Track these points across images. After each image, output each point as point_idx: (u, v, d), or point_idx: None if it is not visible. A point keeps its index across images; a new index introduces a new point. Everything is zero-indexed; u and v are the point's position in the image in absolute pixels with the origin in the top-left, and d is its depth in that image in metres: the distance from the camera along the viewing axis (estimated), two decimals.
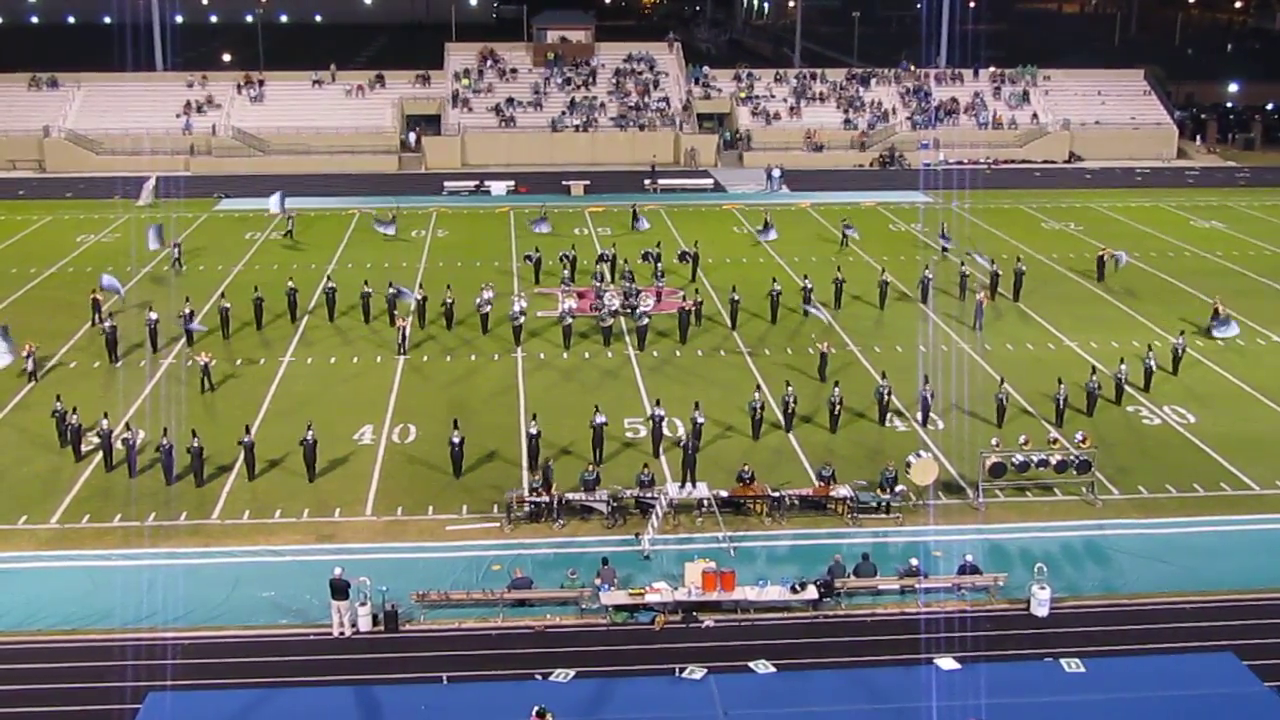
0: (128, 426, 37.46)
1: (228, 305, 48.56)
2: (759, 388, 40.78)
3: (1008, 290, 52.77)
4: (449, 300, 48.64)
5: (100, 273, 52.61)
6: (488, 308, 48.70)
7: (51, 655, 26.18)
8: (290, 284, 50.96)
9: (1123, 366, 41.45)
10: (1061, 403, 39.19)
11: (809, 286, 49.80)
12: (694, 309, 48.83)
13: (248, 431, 35.26)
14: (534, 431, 36.09)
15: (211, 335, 47.20)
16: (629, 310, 49.18)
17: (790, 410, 38.55)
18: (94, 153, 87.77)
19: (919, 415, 39.36)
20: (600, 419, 36.56)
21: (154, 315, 46.57)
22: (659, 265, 54.45)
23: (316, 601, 27.82)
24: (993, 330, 48.53)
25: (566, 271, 54.60)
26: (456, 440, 35.32)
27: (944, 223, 64.52)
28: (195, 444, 34.46)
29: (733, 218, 70.71)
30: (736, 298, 49.37)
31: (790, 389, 39.01)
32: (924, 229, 66.25)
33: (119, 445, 35.77)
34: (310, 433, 35.06)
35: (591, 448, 36.38)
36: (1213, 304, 49.29)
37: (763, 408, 38.15)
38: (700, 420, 36.56)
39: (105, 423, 35.91)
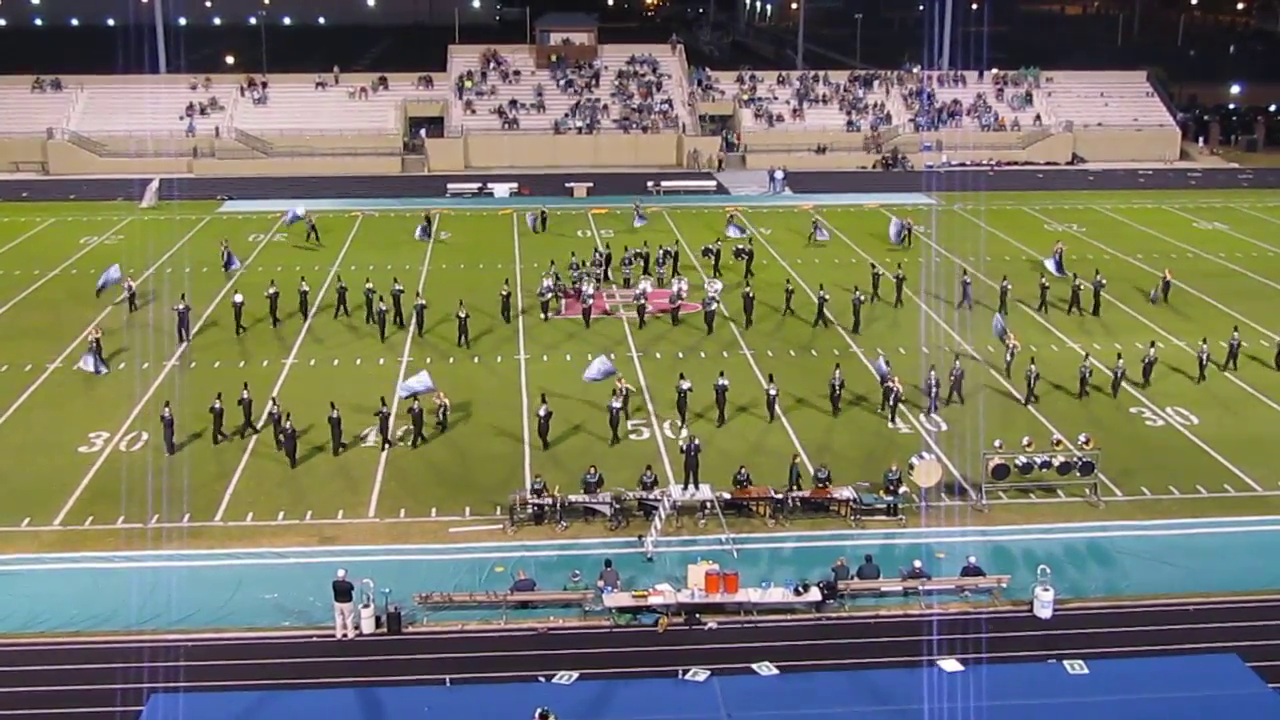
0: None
1: (240, 300, 49.32)
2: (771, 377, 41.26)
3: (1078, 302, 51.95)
4: (462, 315, 47.38)
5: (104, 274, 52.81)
6: (548, 295, 51.11)
7: (54, 657, 26.17)
8: (303, 284, 51.62)
9: (1120, 362, 42.13)
10: (1033, 379, 40.79)
11: (825, 297, 50.00)
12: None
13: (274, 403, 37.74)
14: (544, 413, 37.06)
15: (223, 330, 47.92)
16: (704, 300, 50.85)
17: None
18: (97, 155, 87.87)
19: (925, 402, 40.33)
20: (620, 396, 38.15)
21: (182, 305, 48.09)
22: (718, 260, 57.59)
23: (319, 603, 27.80)
24: (980, 330, 48.50)
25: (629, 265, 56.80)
26: (543, 414, 37.08)
27: (906, 221, 64.87)
28: (285, 420, 36.51)
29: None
30: (791, 288, 52.16)
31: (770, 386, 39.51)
32: (924, 230, 66.19)
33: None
34: (335, 411, 36.87)
35: (610, 426, 37.74)
36: (1162, 276, 50.73)
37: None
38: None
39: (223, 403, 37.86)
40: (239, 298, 49.65)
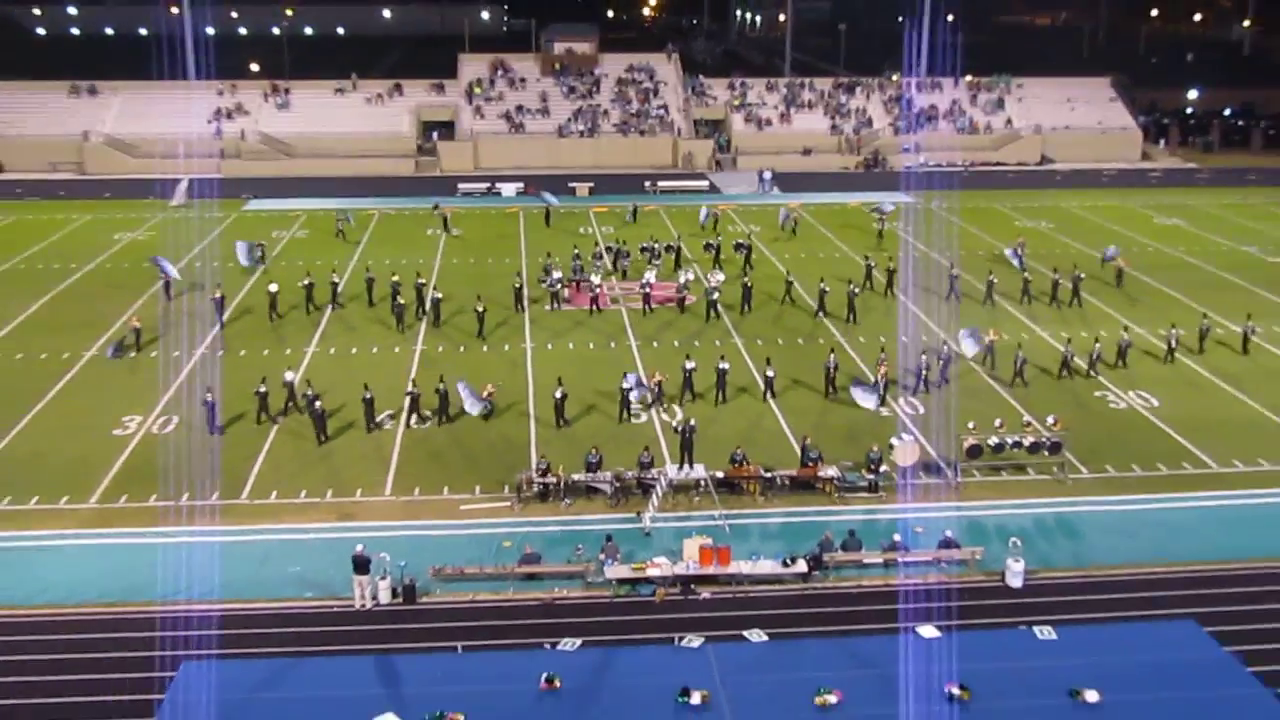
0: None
1: (275, 289, 49.76)
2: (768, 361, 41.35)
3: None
4: (480, 308, 47.15)
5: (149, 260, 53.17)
6: (558, 285, 51.15)
7: (92, 627, 26.16)
8: (334, 276, 52.20)
9: (1097, 345, 42.82)
10: (1020, 364, 41.41)
11: (826, 289, 50.03)
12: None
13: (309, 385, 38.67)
14: (559, 395, 37.44)
15: (255, 317, 48.63)
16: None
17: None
18: (130, 156, 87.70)
19: (911, 382, 40.91)
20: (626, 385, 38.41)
21: (218, 295, 48.71)
22: (718, 254, 57.71)
23: (340, 576, 27.76)
24: (967, 321, 48.45)
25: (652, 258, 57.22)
26: (559, 395, 37.47)
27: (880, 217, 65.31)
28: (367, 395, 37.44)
29: (726, 218, 70.58)
30: (791, 279, 52.70)
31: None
32: (905, 227, 66.12)
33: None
34: (368, 392, 37.31)
35: (620, 408, 38.24)
36: (1018, 241, 53.68)
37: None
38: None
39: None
40: (274, 286, 50.01)
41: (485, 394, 37.78)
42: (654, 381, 38.93)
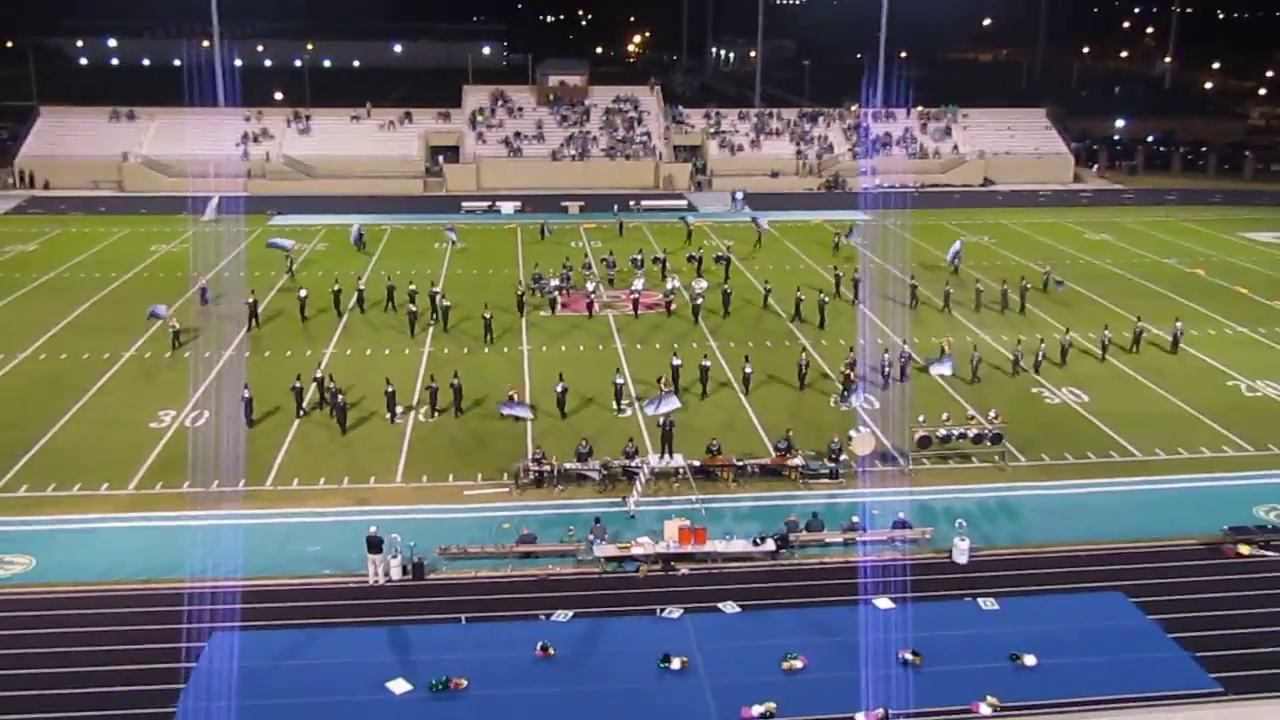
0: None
1: (304, 294, 49.97)
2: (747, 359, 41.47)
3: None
4: (487, 315, 46.66)
5: (156, 300, 49.50)
6: (555, 292, 51.07)
7: (130, 601, 26.00)
8: (359, 283, 52.40)
9: (1043, 345, 43.26)
10: (976, 363, 41.56)
11: (801, 298, 50.18)
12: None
13: (331, 379, 38.67)
14: (560, 389, 37.44)
15: (286, 320, 48.94)
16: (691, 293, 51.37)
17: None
18: (165, 175, 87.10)
19: (880, 378, 40.94)
20: (620, 380, 38.83)
21: (251, 299, 48.90)
22: (700, 265, 57.66)
23: (355, 555, 27.64)
24: (924, 329, 48.52)
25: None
26: (559, 389, 37.55)
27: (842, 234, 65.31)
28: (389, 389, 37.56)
29: (703, 234, 70.52)
30: (769, 287, 52.61)
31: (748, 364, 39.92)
32: (862, 241, 66.14)
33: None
34: (390, 386, 37.48)
35: (615, 399, 38.37)
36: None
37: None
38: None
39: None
40: (303, 292, 50.14)
41: (510, 397, 36.71)
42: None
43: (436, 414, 37.69)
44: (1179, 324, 45.99)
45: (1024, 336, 45.48)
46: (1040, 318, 50.45)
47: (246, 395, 37.03)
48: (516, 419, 36.33)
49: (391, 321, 49.13)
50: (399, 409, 37.81)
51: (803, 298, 49.95)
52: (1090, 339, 45.61)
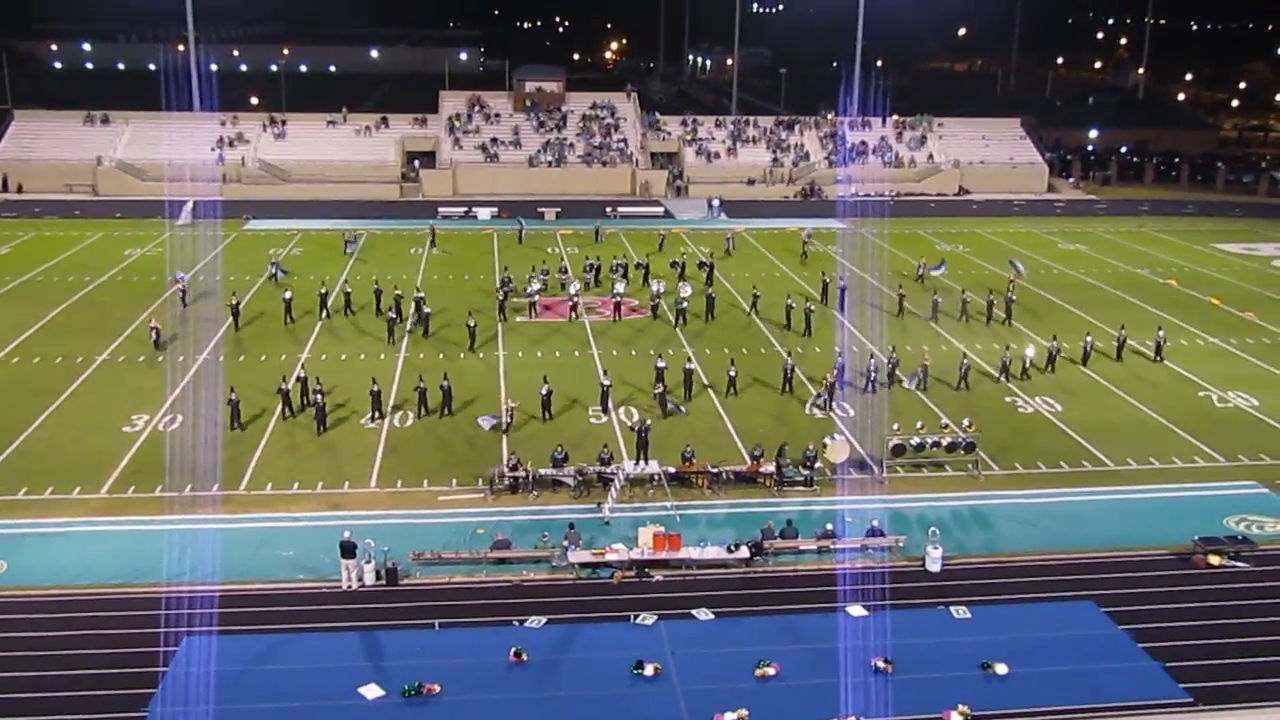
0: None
1: (289, 296, 50.05)
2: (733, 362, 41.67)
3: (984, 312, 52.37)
4: (472, 324, 46.59)
5: (155, 278, 52.62)
6: (537, 296, 51.53)
7: (102, 605, 25.83)
8: (346, 287, 52.47)
9: (1027, 352, 43.81)
10: (964, 371, 41.91)
11: (791, 305, 50.56)
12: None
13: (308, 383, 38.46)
14: (544, 391, 37.62)
15: (271, 321, 49.04)
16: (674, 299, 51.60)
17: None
18: (140, 179, 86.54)
19: (862, 384, 41.24)
20: (607, 382, 39.03)
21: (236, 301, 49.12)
22: (683, 270, 57.81)
23: (329, 560, 27.54)
24: (900, 337, 48.76)
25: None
26: (544, 392, 37.73)
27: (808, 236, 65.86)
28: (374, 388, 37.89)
29: (680, 240, 70.66)
30: (757, 293, 52.42)
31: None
32: (839, 250, 66.43)
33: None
34: (375, 385, 37.90)
35: (601, 400, 38.62)
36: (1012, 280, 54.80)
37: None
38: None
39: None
40: (288, 294, 50.22)
41: (507, 409, 36.83)
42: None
43: (425, 413, 37.84)
44: (1161, 332, 46.47)
45: (1013, 344, 45.72)
46: (1017, 327, 50.75)
47: (234, 399, 36.96)
48: (493, 429, 36.26)
49: (372, 326, 48.91)
50: (378, 414, 37.72)
51: (792, 305, 50.24)
52: (1065, 347, 45.93)
